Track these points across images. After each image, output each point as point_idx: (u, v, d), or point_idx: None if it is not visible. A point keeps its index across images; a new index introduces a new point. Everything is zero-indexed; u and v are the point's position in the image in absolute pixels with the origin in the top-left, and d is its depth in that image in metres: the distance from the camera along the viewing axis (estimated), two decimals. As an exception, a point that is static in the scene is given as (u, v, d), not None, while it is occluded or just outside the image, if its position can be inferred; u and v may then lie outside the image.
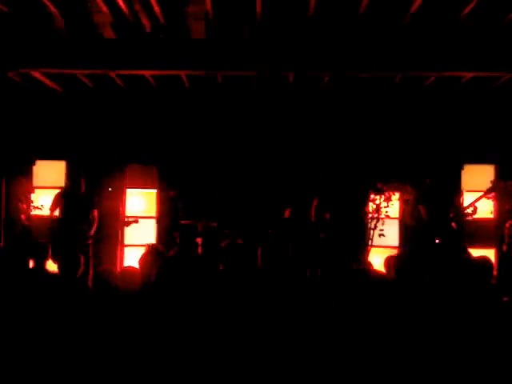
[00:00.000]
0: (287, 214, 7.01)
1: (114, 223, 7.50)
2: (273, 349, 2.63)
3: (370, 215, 7.68)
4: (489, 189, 6.40)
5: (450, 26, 6.04)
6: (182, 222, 7.54)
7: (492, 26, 6.05)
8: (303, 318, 2.88)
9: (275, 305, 3.11)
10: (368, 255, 7.63)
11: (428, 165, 7.58)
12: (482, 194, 6.49)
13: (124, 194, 7.82)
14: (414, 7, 5.59)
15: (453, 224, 6.36)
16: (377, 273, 3.11)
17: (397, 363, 2.84)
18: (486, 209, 7.46)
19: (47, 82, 7.53)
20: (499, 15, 5.85)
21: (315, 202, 6.96)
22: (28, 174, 7.77)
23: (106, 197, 7.56)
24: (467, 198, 6.96)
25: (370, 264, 6.43)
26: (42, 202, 7.56)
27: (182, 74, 7.26)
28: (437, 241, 6.16)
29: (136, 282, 4.02)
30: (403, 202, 7.70)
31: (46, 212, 7.55)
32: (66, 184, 7.48)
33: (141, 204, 7.83)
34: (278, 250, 6.41)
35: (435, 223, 6.23)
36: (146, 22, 6.14)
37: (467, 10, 5.64)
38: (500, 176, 7.75)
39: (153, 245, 5.59)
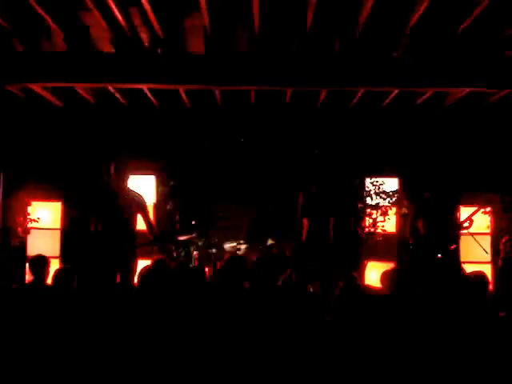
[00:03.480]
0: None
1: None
2: (265, 364, 2.63)
3: (366, 230, 7.69)
4: (482, 203, 6.48)
5: (445, 42, 6.09)
6: (179, 235, 7.53)
7: (488, 42, 6.10)
8: (295, 333, 2.87)
9: (269, 319, 3.10)
10: (364, 270, 7.64)
11: (424, 179, 7.59)
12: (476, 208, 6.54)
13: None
14: (411, 24, 5.63)
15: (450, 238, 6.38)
16: (372, 288, 3.12)
17: (392, 378, 2.83)
18: (482, 224, 7.48)
19: (47, 95, 7.56)
20: (495, 32, 5.90)
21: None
22: (25, 186, 7.74)
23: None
24: (464, 213, 6.99)
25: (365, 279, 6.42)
26: (39, 214, 7.55)
27: (180, 88, 7.29)
28: (439, 255, 6.18)
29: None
30: (401, 217, 7.72)
31: (42, 225, 7.57)
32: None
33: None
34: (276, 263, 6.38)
35: (433, 238, 6.25)
36: (144, 36, 6.19)
37: (462, 27, 5.69)
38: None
39: (159, 259, 5.12)
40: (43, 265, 4.89)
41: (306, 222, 6.68)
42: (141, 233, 5.75)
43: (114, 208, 5.32)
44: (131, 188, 5.52)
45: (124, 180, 5.43)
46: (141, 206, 5.47)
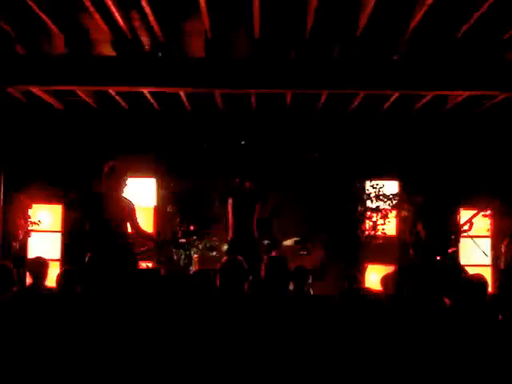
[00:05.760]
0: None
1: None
2: (265, 365, 2.64)
3: (366, 233, 7.70)
4: (482, 206, 6.51)
5: (445, 46, 6.10)
6: (180, 239, 7.53)
7: (486, 46, 6.11)
8: (296, 337, 2.87)
9: (269, 323, 3.11)
10: (365, 272, 7.64)
11: (425, 182, 7.61)
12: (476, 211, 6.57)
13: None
14: (410, 28, 5.65)
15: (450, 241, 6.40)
16: (372, 292, 3.14)
17: (392, 380, 2.83)
18: (482, 227, 7.48)
19: (47, 98, 7.58)
20: (494, 36, 5.91)
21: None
22: (26, 189, 7.75)
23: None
24: (464, 216, 7.00)
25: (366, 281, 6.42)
26: (40, 217, 7.57)
27: (181, 91, 7.31)
28: (438, 258, 6.19)
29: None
30: (401, 220, 7.72)
31: (43, 227, 7.58)
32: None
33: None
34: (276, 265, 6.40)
35: (433, 240, 6.26)
36: (144, 39, 6.21)
37: (462, 30, 5.70)
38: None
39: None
40: (41, 267, 4.85)
41: None
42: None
43: (106, 212, 5.05)
44: (125, 194, 5.27)
45: (120, 185, 5.18)
46: (131, 215, 5.24)
